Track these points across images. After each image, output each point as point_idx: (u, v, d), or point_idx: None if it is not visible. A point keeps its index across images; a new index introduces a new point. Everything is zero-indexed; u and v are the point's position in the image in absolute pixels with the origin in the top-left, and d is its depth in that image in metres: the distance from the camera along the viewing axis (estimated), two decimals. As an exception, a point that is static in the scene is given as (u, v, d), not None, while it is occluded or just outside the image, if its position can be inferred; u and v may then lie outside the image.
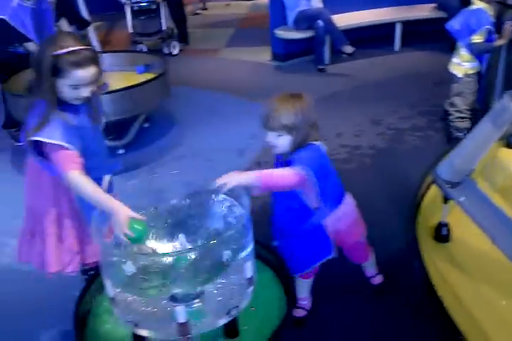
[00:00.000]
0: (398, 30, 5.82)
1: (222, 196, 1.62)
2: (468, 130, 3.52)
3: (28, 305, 2.33)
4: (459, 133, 3.52)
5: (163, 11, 5.86)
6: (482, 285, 1.42)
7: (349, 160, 3.47)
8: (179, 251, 1.52)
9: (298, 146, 1.76)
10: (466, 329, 1.27)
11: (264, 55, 5.90)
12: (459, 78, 3.42)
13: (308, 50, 5.62)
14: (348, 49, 5.23)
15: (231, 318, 1.51)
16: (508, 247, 1.27)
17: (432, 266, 1.39)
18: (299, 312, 2.09)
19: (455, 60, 3.44)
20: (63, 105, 1.73)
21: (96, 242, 1.46)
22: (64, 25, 3.93)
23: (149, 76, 3.80)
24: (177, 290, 1.44)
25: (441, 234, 1.55)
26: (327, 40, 5.38)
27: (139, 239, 1.49)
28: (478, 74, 3.40)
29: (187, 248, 1.55)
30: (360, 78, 5.11)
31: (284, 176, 1.68)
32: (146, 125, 4.04)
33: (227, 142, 3.86)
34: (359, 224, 1.95)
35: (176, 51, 6.11)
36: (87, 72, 1.66)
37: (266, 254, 1.84)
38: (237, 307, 1.51)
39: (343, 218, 1.87)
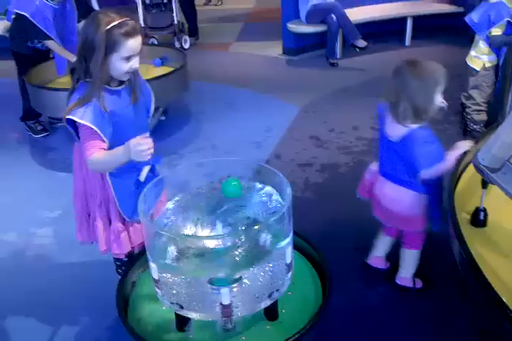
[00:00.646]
0: (409, 24, 5.84)
1: (264, 186, 1.65)
2: (485, 123, 3.58)
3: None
4: (475, 126, 3.55)
5: (175, 5, 5.87)
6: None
7: (368, 152, 3.49)
8: (222, 234, 1.54)
9: None
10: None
11: (275, 49, 5.92)
12: (477, 71, 3.44)
13: (319, 44, 5.65)
14: (361, 43, 5.26)
15: (272, 301, 1.54)
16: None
17: (472, 250, 1.42)
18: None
19: (473, 53, 3.46)
20: (105, 89, 1.75)
21: (143, 224, 1.48)
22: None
23: (167, 69, 3.82)
24: (218, 274, 1.47)
25: (479, 218, 1.58)
26: (339, 34, 5.40)
27: (234, 192, 1.53)
28: (496, 67, 3.42)
29: (229, 233, 1.57)
30: (372, 72, 5.12)
31: None
32: (163, 118, 4.07)
33: (244, 135, 3.89)
34: None
35: (187, 45, 6.13)
36: (137, 41, 1.71)
37: (303, 244, 1.87)
38: (278, 290, 1.54)
39: None
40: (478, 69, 3.43)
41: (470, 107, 3.53)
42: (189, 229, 1.59)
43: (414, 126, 1.86)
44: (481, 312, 1.69)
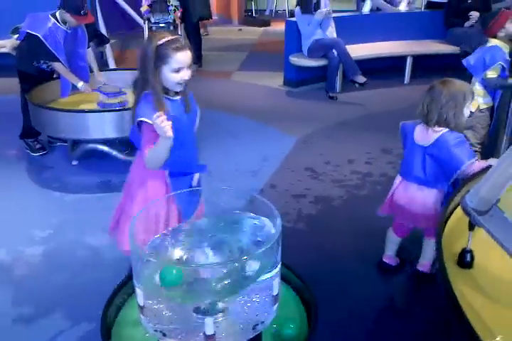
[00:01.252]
0: (409, 62, 5.97)
1: (254, 215, 1.66)
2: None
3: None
4: (469, 166, 3.59)
5: (182, 32, 6.01)
6: (506, 309, 1.46)
7: (361, 186, 3.52)
8: (211, 263, 1.54)
9: None
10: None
11: (276, 80, 6.04)
12: (472, 112, 3.51)
13: (319, 78, 5.76)
14: (361, 79, 5.36)
15: (256, 333, 1.54)
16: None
17: (457, 291, 1.43)
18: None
19: (469, 94, 3.54)
20: (166, 98, 1.96)
21: (131, 250, 1.49)
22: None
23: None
24: (203, 303, 1.47)
25: (465, 260, 1.59)
26: (340, 69, 5.51)
27: (173, 281, 1.48)
28: (491, 109, 3.50)
29: (217, 262, 1.57)
30: (370, 107, 5.22)
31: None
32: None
33: (240, 163, 3.93)
34: None
35: (190, 72, 6.23)
36: (186, 55, 1.91)
37: (290, 275, 1.87)
38: (262, 322, 1.53)
39: None
40: (473, 110, 3.49)
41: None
42: (178, 256, 1.60)
43: (445, 130, 2.20)
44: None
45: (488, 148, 3.67)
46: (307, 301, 1.79)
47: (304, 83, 5.89)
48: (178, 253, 1.60)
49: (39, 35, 3.46)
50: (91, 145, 3.72)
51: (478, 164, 2.16)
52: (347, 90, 5.67)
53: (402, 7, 7.06)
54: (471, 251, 1.61)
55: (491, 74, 3.35)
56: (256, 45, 8.31)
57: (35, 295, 2.45)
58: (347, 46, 5.44)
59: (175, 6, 5.96)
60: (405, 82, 6.06)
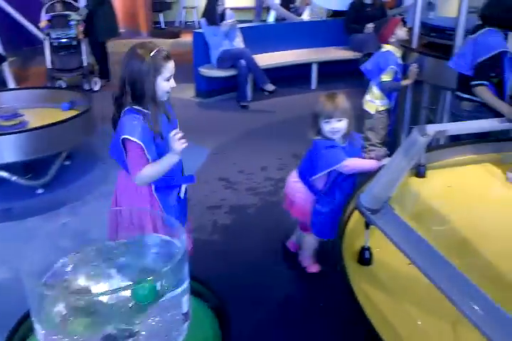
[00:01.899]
0: (314, 69, 6.18)
1: (157, 235, 1.64)
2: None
3: None
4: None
5: (85, 47, 5.84)
6: (402, 301, 1.53)
7: (274, 193, 3.58)
8: (113, 289, 1.49)
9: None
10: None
11: (187, 92, 6.01)
12: (372, 114, 3.69)
13: (230, 88, 5.81)
14: (270, 87, 5.49)
15: (168, 354, 1.50)
16: (424, 266, 1.39)
17: (356, 287, 1.48)
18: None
19: (368, 97, 3.72)
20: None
21: (25, 284, 1.40)
22: None
23: (75, 113, 3.75)
24: (111, 329, 1.42)
25: (364, 257, 1.66)
26: (249, 78, 5.60)
27: (147, 297, 1.43)
28: (388, 111, 3.70)
29: (120, 286, 1.52)
30: (281, 114, 5.34)
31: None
32: (67, 163, 3.95)
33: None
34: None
35: (97, 87, 6.07)
36: (173, 63, 1.97)
37: (203, 291, 1.84)
38: (174, 342, 1.50)
39: None
40: (372, 112, 3.68)
41: (366, 147, 3.75)
42: (81, 284, 1.54)
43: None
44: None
45: (391, 149, 3.86)
46: (222, 317, 1.77)
47: (216, 93, 5.91)
48: (81, 281, 1.54)
49: None
50: (-12, 171, 3.49)
51: (356, 161, 2.31)
52: (258, 99, 5.76)
53: (305, 16, 7.32)
54: (369, 249, 1.68)
55: (386, 77, 3.54)
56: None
57: None
58: (255, 56, 5.55)
59: (77, 21, 5.77)
60: (312, 87, 6.26)
